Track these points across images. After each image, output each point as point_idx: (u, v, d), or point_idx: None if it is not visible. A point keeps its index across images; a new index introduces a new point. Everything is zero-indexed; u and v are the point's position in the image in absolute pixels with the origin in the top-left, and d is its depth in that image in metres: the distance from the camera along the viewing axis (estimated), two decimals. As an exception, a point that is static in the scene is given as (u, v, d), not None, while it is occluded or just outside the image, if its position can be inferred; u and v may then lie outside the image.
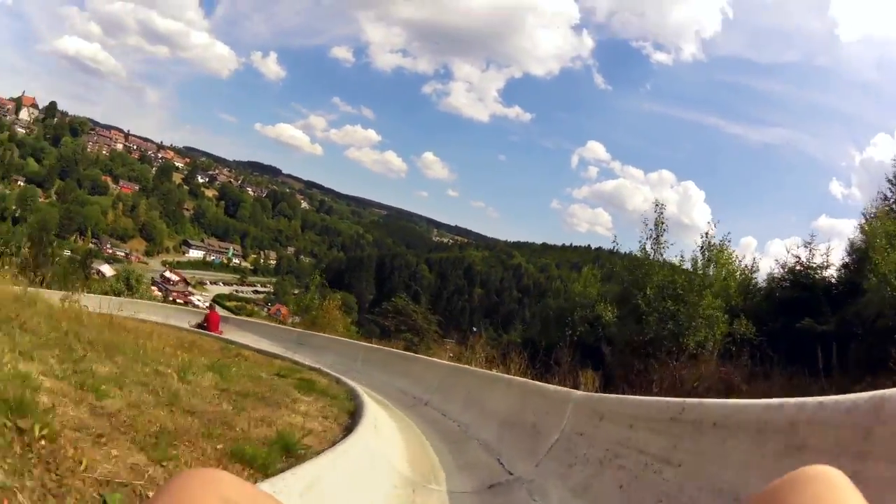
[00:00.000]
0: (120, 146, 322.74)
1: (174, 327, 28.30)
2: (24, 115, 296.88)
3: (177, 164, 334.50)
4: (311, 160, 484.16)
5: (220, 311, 45.35)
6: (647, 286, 36.01)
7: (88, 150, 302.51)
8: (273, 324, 47.04)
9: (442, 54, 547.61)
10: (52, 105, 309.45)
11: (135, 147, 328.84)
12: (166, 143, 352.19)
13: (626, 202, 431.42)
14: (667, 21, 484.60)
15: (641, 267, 37.97)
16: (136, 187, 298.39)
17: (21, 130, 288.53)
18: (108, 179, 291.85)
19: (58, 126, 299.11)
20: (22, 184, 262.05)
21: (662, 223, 38.23)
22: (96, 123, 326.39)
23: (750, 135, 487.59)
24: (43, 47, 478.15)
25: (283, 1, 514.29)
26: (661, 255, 37.76)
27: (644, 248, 38.39)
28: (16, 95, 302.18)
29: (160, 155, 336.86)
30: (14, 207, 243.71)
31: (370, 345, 30.35)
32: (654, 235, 38.18)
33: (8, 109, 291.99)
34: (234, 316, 55.48)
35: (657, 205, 38.73)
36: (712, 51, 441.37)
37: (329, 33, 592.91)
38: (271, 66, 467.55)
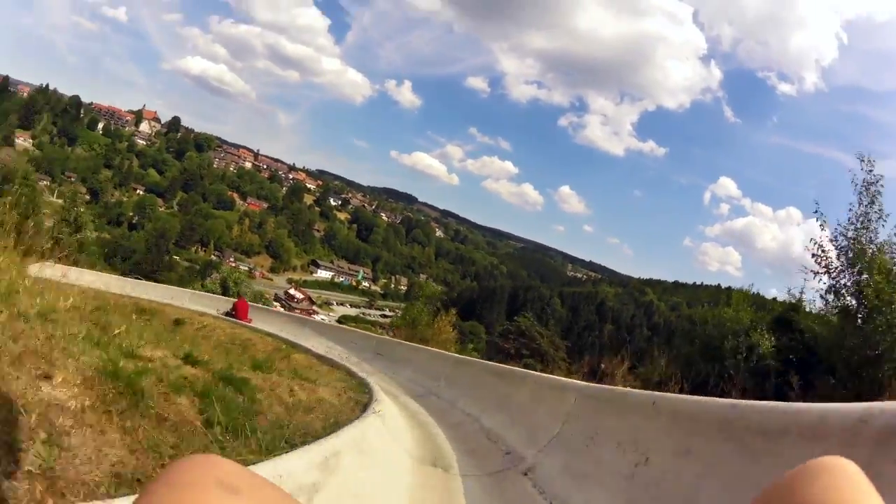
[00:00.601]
0: (249, 164, 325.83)
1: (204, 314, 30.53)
2: (144, 127, 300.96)
3: (308, 185, 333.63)
4: (448, 190, 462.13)
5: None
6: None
7: (215, 165, 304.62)
8: (358, 329, 40.88)
9: (576, 86, 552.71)
10: (176, 120, 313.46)
11: (264, 166, 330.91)
12: (298, 165, 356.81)
13: (755, 241, 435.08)
14: (788, 48, 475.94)
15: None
16: (265, 205, 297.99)
17: (141, 142, 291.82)
18: (235, 195, 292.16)
19: (181, 140, 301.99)
20: (141, 192, 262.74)
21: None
22: (224, 141, 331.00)
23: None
24: (164, 65, 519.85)
25: (415, 30, 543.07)
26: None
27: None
28: (135, 108, 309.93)
29: (291, 176, 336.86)
30: (131, 214, 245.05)
31: (461, 356, 21.53)
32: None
33: (127, 121, 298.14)
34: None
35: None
36: (831, 79, 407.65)
37: (463, 63, 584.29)
38: (406, 95, 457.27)
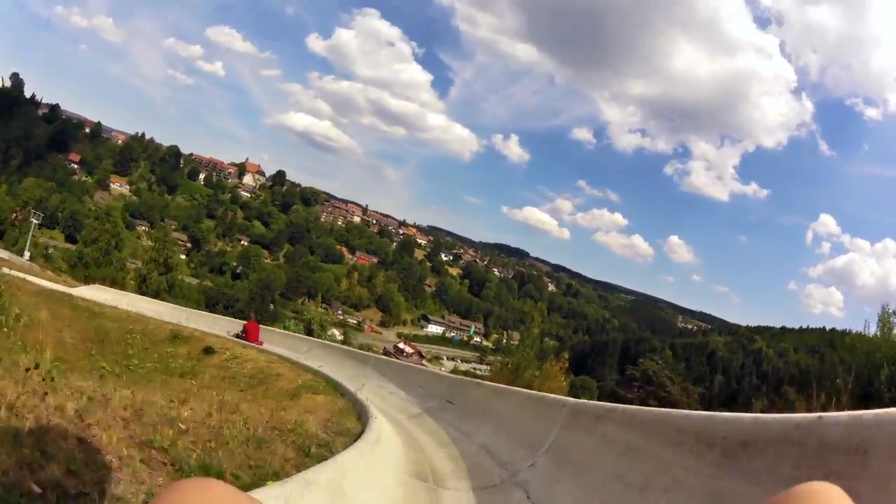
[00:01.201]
0: (357, 219, 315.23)
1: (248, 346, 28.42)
2: (248, 179, 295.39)
3: (419, 240, 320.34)
4: (559, 244, 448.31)
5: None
6: None
7: (322, 219, 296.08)
8: (431, 368, 38.76)
9: (678, 132, 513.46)
10: (281, 174, 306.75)
11: (374, 221, 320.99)
12: (409, 220, 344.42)
13: (855, 278, 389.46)
14: (870, 70, 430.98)
15: None
16: (374, 259, 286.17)
17: (245, 194, 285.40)
18: (344, 249, 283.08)
19: (287, 194, 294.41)
20: (246, 243, 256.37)
21: None
22: (331, 196, 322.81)
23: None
24: (267, 120, 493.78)
25: (517, 82, 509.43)
26: None
27: None
28: (238, 161, 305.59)
29: (401, 231, 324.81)
30: (235, 264, 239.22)
31: (584, 402, 8.95)
32: None
33: (229, 173, 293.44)
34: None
35: None
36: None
37: (567, 114, 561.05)
38: (514, 149, 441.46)
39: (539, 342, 41.87)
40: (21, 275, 37.61)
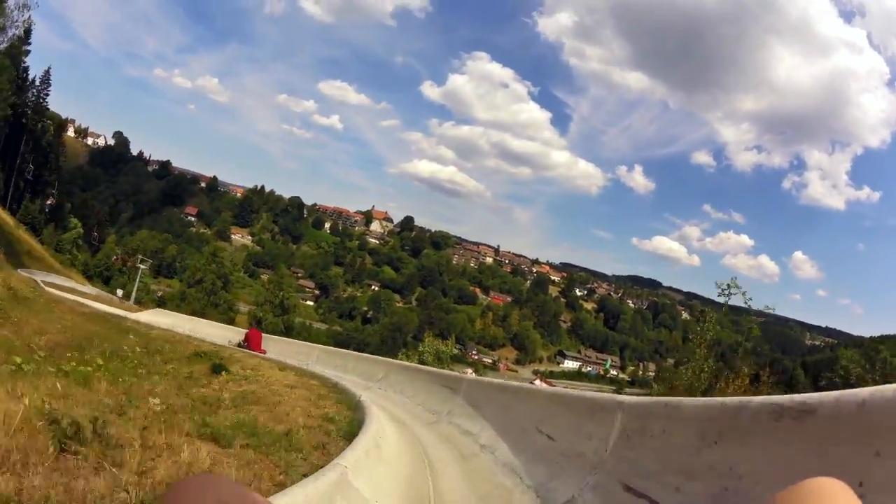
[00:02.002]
0: (490, 260, 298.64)
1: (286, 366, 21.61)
2: (375, 227, 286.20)
3: (553, 277, 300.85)
4: (690, 271, 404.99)
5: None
6: None
7: (454, 262, 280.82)
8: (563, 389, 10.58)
9: (791, 143, 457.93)
10: (408, 220, 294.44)
11: (506, 261, 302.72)
12: (542, 259, 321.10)
13: None
14: None
15: None
16: (508, 298, 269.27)
17: (373, 241, 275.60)
18: (477, 290, 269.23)
19: (416, 239, 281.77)
20: (376, 288, 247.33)
21: None
22: (462, 239, 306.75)
23: None
24: (390, 169, 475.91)
25: (633, 111, 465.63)
26: None
27: None
28: (363, 209, 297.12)
29: (534, 269, 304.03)
30: (366, 308, 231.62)
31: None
32: None
33: (356, 221, 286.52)
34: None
35: None
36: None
37: (684, 139, 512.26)
38: (639, 179, 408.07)
39: (704, 362, 24.43)
40: (83, 300, 38.11)
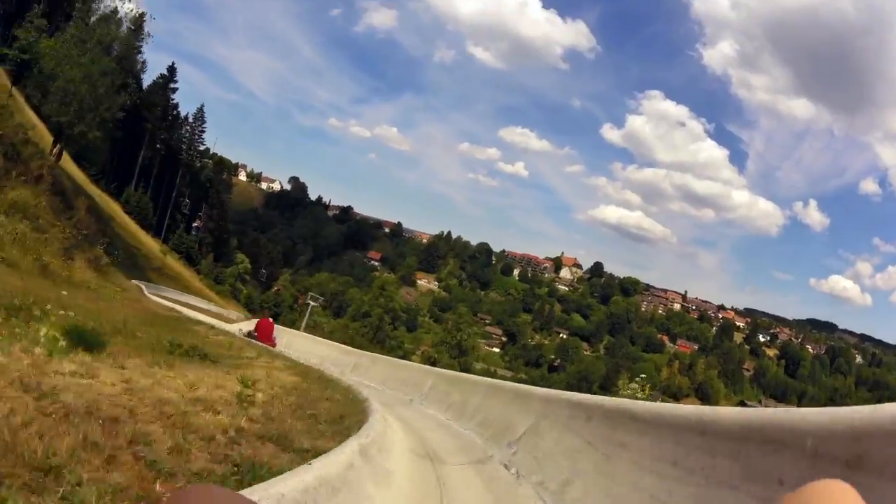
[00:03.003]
0: (677, 306, 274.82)
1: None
2: (564, 273, 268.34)
3: (738, 323, 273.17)
4: (862, 311, 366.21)
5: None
6: None
7: (643, 309, 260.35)
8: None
9: None
10: (598, 266, 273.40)
11: (693, 307, 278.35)
12: (726, 304, 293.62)
13: None
14: None
15: None
16: (695, 346, 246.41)
17: (562, 288, 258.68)
18: (665, 338, 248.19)
19: (605, 285, 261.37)
20: (564, 336, 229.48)
21: None
22: (650, 286, 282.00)
23: None
24: (578, 215, 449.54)
25: (802, 142, 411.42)
26: None
27: None
28: (552, 255, 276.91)
29: (720, 315, 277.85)
30: (553, 356, 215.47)
31: None
32: None
33: (545, 268, 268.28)
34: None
35: None
36: None
37: (852, 167, 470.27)
38: (814, 215, 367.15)
39: None
40: (183, 309, 36.32)
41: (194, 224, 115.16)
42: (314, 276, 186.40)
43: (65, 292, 17.62)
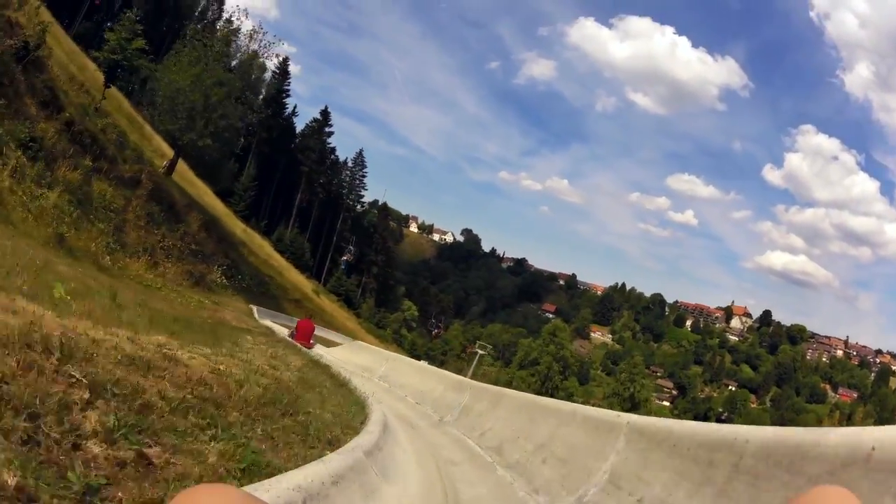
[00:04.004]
0: (840, 353, 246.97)
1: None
2: (735, 323, 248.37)
3: (893, 367, 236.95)
4: None
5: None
6: None
7: (808, 357, 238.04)
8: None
9: None
10: (766, 314, 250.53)
11: (854, 353, 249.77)
12: (884, 348, 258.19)
13: None
14: None
15: None
16: (854, 394, 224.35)
17: (733, 338, 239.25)
18: (827, 387, 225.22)
19: (773, 334, 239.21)
20: (733, 388, 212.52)
21: None
22: (815, 334, 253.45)
23: None
24: (746, 263, 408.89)
25: None
26: None
27: None
28: (723, 305, 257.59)
29: (877, 360, 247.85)
30: (720, 409, 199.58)
31: None
32: None
33: (716, 318, 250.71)
34: None
35: None
36: None
37: None
38: None
39: None
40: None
41: (343, 258, 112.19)
42: (486, 327, 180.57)
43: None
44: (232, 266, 42.60)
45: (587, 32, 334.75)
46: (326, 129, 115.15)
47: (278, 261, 77.03)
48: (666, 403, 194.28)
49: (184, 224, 34.84)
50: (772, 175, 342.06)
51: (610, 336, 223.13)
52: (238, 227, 67.25)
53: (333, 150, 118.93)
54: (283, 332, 24.66)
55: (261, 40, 51.51)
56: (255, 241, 70.41)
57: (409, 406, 15.06)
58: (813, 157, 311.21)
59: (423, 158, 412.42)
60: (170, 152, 47.28)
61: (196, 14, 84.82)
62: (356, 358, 26.10)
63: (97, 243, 20.38)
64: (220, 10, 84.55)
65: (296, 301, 60.69)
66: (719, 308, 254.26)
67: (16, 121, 18.74)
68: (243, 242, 59.93)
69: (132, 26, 36.22)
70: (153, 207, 30.58)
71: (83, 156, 23.29)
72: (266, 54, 54.94)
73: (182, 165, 51.21)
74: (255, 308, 35.28)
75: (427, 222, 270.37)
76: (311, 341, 23.90)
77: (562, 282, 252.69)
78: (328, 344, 32.45)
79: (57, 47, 32.13)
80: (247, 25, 53.39)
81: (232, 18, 54.33)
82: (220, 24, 54.67)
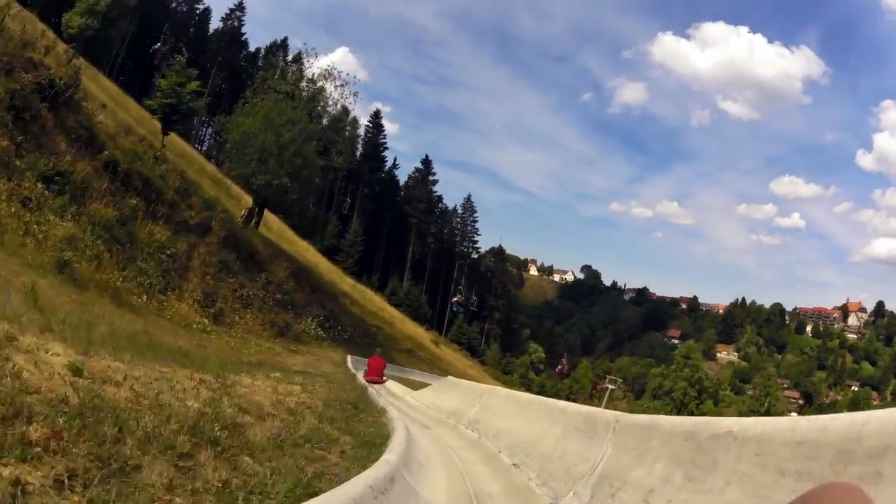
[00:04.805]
0: None
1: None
2: (852, 320, 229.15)
3: None
4: None
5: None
6: None
7: None
8: None
9: None
10: (879, 305, 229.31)
11: None
12: None
13: None
14: None
15: None
16: None
17: (851, 336, 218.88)
18: None
19: (888, 325, 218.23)
20: (855, 388, 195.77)
21: None
22: None
23: None
24: (854, 257, 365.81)
25: None
26: None
27: None
28: (838, 304, 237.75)
29: None
30: (845, 413, 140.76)
31: None
32: None
33: (834, 318, 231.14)
34: None
35: None
36: None
37: None
38: None
39: None
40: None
41: (453, 300, 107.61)
42: (615, 361, 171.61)
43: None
44: (330, 317, 38.98)
45: (668, 48, 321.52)
46: (430, 178, 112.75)
47: (391, 312, 72.98)
48: (794, 415, 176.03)
49: (267, 273, 31.90)
50: (864, 160, 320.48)
51: (735, 354, 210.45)
52: (346, 283, 63.67)
53: (440, 198, 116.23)
54: (391, 384, 22.61)
55: (335, 79, 46.75)
56: (365, 295, 66.67)
57: (501, 472, 7.79)
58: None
59: (533, 201, 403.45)
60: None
61: (263, 64, 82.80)
62: (443, 399, 18.92)
63: (128, 280, 18.46)
64: (286, 57, 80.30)
65: (407, 351, 56.74)
66: (836, 308, 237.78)
67: (39, 155, 17.58)
68: (345, 294, 56.14)
69: (184, 70, 33.11)
70: (227, 255, 28.32)
71: (128, 196, 21.78)
72: (345, 96, 49.30)
73: (280, 224, 48.44)
74: (349, 357, 31.91)
75: (546, 264, 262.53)
76: (384, 378, 22.38)
77: (684, 305, 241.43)
78: (416, 386, 28.28)
79: (121, 111, 32.18)
80: (319, 65, 48.12)
81: (301, 57, 48.07)
82: (289, 66, 49.82)
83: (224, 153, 42.30)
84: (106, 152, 21.56)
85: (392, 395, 21.02)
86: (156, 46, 74.34)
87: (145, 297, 18.81)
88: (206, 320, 21.70)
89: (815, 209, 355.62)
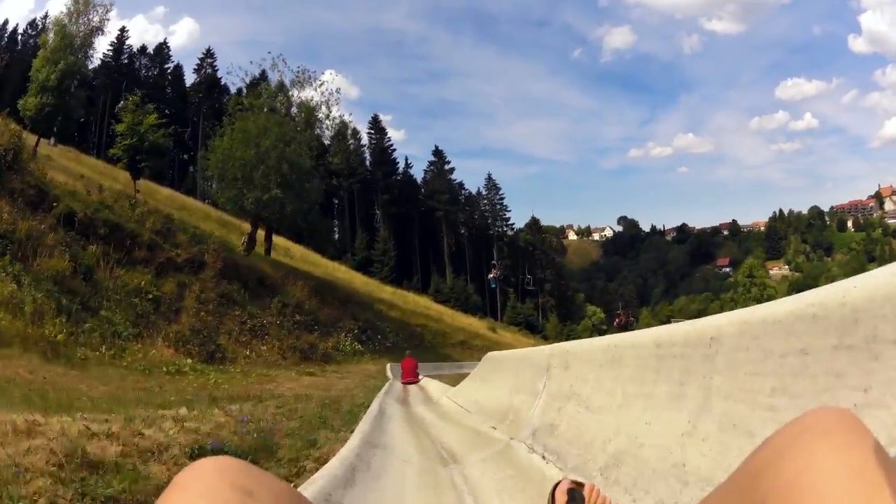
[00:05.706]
0: None
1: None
2: (888, 206, 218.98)
3: None
4: None
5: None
6: None
7: None
8: None
9: None
10: None
11: None
12: None
13: None
14: None
15: None
16: None
17: (892, 221, 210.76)
18: None
19: None
20: None
21: None
22: None
23: None
24: (873, 143, 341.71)
25: None
26: None
27: None
28: (871, 193, 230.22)
29: None
30: None
31: None
32: None
33: (871, 207, 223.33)
34: None
35: None
36: None
37: None
38: None
39: None
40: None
41: (490, 276, 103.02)
42: (674, 303, 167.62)
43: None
44: (366, 328, 36.23)
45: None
46: (446, 167, 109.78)
47: (437, 309, 69.44)
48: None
49: (281, 297, 29.28)
50: (857, 44, 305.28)
51: (787, 267, 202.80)
52: (386, 291, 60.69)
53: (461, 185, 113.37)
54: (431, 384, 19.56)
55: (312, 81, 42.27)
56: (406, 298, 63.00)
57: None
58: (881, 5, 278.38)
59: (553, 167, 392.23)
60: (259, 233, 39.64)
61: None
62: (486, 391, 8.75)
63: (82, 332, 16.35)
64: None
65: (461, 343, 53.94)
66: (870, 196, 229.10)
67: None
68: (381, 300, 52.96)
69: (139, 109, 30.05)
70: (227, 287, 26.15)
71: (88, 245, 20.50)
72: (328, 98, 44.16)
73: (304, 251, 46.44)
74: (388, 365, 28.84)
75: (582, 226, 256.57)
76: (419, 377, 21.30)
77: (725, 232, 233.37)
78: (455, 380, 24.67)
79: (108, 180, 30.60)
80: (288, 75, 43.36)
81: (266, 70, 43.62)
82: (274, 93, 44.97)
83: (206, 181, 38.74)
84: (58, 205, 20.35)
85: (424, 400, 16.70)
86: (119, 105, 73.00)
87: (104, 347, 16.51)
88: (189, 360, 19.30)
89: (823, 105, 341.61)
